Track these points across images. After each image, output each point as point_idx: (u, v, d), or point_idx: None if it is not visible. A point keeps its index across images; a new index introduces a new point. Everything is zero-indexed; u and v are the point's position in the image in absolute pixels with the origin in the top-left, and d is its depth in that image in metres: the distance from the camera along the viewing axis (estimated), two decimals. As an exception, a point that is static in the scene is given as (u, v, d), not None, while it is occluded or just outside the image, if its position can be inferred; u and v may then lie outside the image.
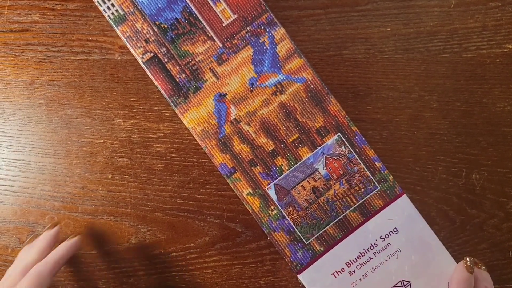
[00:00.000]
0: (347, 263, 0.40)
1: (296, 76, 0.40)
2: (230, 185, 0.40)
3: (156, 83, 0.39)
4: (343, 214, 0.40)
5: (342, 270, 0.40)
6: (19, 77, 0.41)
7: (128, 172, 0.41)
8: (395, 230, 0.40)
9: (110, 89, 0.41)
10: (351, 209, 0.40)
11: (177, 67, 0.39)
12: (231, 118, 0.40)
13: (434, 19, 0.41)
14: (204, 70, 0.39)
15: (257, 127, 0.40)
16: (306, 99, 0.40)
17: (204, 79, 0.39)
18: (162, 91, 0.39)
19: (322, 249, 0.40)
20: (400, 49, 0.41)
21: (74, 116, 0.41)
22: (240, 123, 0.40)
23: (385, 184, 0.40)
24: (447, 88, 0.41)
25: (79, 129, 0.41)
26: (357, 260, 0.40)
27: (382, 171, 0.40)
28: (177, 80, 0.39)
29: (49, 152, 0.42)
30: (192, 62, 0.39)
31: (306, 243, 0.40)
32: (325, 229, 0.40)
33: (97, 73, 0.41)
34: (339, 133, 0.40)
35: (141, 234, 0.40)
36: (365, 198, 0.40)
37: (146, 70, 0.39)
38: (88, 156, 0.41)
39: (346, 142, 0.40)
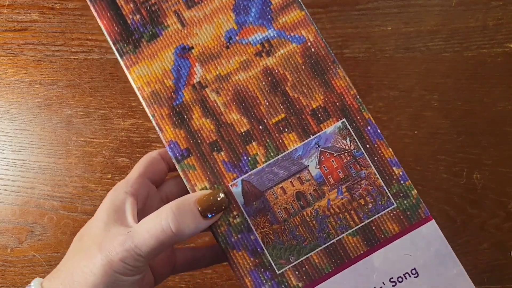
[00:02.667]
0: (336, 312, 0.27)
1: (291, 34, 0.28)
2: (180, 172, 0.28)
3: (100, 23, 0.29)
4: (338, 238, 0.27)
5: (326, 322, 0.26)
6: (18, 77, 0.42)
7: (127, 172, 0.38)
8: (413, 272, 0.27)
9: (110, 89, 0.42)
10: (350, 231, 0.27)
11: (131, 5, 0.29)
12: (194, 81, 0.28)
13: (435, 18, 0.41)
14: (166, 12, 0.29)
15: (228, 98, 0.28)
16: (303, 67, 0.28)
17: (165, 24, 0.28)
18: (106, 34, 0.29)
19: (300, 284, 0.27)
20: (401, 48, 0.41)
21: (74, 116, 0.42)
22: (206, 89, 0.28)
23: (405, 202, 0.27)
24: (448, 87, 0.41)
25: (79, 129, 0.42)
26: (351, 310, 0.27)
27: (402, 182, 0.27)
28: (129, 21, 0.28)
29: (49, 152, 0.42)
30: (153, 1, 0.29)
31: (278, 272, 0.27)
32: (308, 255, 0.27)
33: (97, 72, 0.42)
34: (344, 119, 0.28)
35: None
36: (372, 218, 0.27)
37: (90, 5, 0.29)
38: (88, 156, 0.42)
39: (353, 133, 0.28)
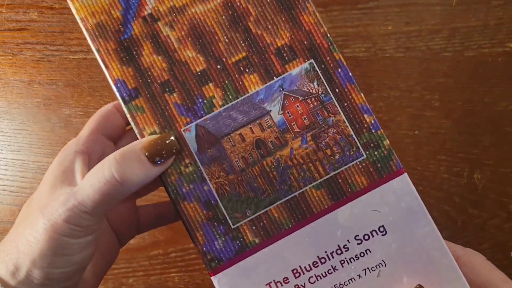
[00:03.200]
0: (295, 271, 0.24)
1: (257, -38, 0.25)
2: (127, 115, 0.25)
3: None
4: (300, 190, 0.24)
5: (284, 281, 0.24)
6: (17, 76, 0.41)
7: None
8: (381, 229, 0.24)
9: (109, 88, 0.41)
10: (314, 184, 0.24)
11: None
12: (145, 13, 0.25)
13: (435, 18, 0.40)
14: None
15: (183, 32, 0.25)
16: (268, 0, 0.25)
17: None
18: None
19: (257, 240, 0.24)
20: (402, 47, 0.40)
21: (73, 116, 0.41)
22: (158, 23, 0.25)
23: (376, 153, 0.24)
24: (448, 87, 0.41)
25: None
26: (311, 269, 0.24)
27: (373, 131, 0.25)
28: None
29: (48, 152, 0.42)
30: None
31: (233, 227, 0.24)
32: (266, 209, 0.24)
33: (96, 72, 0.41)
34: (312, 60, 0.25)
35: (140, 234, 0.38)
36: (339, 170, 0.24)
37: None
38: (86, 156, 0.41)
39: (321, 76, 0.25)
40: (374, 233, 0.24)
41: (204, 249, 0.24)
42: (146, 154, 0.23)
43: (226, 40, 0.25)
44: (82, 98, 0.42)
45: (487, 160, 0.41)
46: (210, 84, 0.25)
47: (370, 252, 0.24)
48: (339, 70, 0.25)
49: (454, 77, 0.41)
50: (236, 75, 0.25)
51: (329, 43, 0.25)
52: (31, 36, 0.41)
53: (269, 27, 0.25)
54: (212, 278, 0.24)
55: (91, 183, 0.23)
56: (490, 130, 0.41)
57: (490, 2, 0.41)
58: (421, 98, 0.41)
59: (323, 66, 0.25)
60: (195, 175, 0.24)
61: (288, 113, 0.25)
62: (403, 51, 0.41)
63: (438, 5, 0.41)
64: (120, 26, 0.25)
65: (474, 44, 0.41)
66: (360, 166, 0.24)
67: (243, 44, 0.25)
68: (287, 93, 0.25)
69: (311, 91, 0.25)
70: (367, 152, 0.24)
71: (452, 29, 0.41)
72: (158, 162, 0.23)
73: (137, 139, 0.25)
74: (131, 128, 0.25)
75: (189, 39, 0.25)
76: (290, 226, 0.24)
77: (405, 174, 0.24)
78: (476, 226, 0.41)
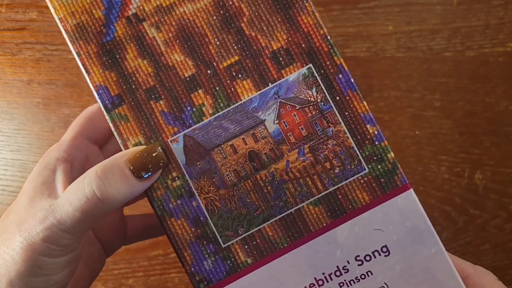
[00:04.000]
0: (290, 294, 0.22)
1: (251, -43, 0.23)
2: (110, 124, 0.23)
3: None
4: (297, 207, 0.23)
5: (279, 305, 0.22)
6: (17, 76, 0.41)
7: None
8: (384, 249, 0.22)
9: None
10: (311, 200, 0.23)
11: None
12: (129, 13, 0.23)
13: (436, 17, 0.40)
14: None
15: (170, 34, 0.23)
16: (263, -1, 0.23)
17: None
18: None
19: (249, 261, 0.23)
20: (402, 47, 0.40)
21: (72, 115, 0.41)
22: (143, 23, 0.23)
23: (379, 166, 0.23)
24: (449, 87, 0.40)
25: None
26: (308, 292, 0.22)
27: (376, 143, 0.23)
28: None
29: None
30: None
31: (224, 246, 0.23)
32: (260, 227, 0.23)
33: None
34: (310, 65, 0.23)
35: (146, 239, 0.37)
36: (339, 185, 0.23)
37: None
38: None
39: (320, 82, 0.23)
40: (376, 253, 0.22)
41: (192, 269, 0.23)
42: (131, 168, 0.21)
43: (217, 42, 0.23)
44: (81, 98, 0.41)
45: (488, 161, 0.41)
46: (200, 91, 0.23)
47: (371, 274, 0.22)
48: (340, 76, 0.23)
49: (455, 77, 0.41)
50: (228, 81, 0.23)
51: (329, 46, 0.23)
52: (31, 35, 0.41)
53: (264, 28, 0.23)
54: (201, 300, 0.22)
55: (71, 200, 0.21)
56: (491, 130, 0.41)
57: (491, 2, 0.41)
58: (422, 98, 0.41)
59: (322, 71, 0.23)
60: (183, 190, 0.23)
61: (284, 123, 0.23)
62: (404, 51, 0.41)
63: (439, 4, 0.41)
64: (102, 27, 0.23)
65: (475, 44, 0.41)
66: (361, 181, 0.22)
67: (235, 47, 0.23)
68: (283, 101, 0.23)
69: (309, 98, 0.23)
70: (370, 166, 0.22)
71: (453, 29, 0.41)
72: (145, 176, 0.22)
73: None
74: None
75: (177, 41, 0.23)
76: (286, 245, 0.22)
77: (411, 190, 0.22)
78: (477, 227, 0.40)
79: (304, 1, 0.23)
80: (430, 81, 0.41)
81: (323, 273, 0.22)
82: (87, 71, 0.23)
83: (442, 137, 0.41)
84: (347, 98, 0.23)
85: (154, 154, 0.22)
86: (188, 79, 0.23)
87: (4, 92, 0.41)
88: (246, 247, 0.22)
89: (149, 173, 0.22)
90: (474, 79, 0.41)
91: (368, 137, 0.22)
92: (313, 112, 0.23)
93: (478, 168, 0.41)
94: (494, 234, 0.40)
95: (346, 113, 0.23)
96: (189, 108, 0.23)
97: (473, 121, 0.41)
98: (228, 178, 0.23)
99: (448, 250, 0.39)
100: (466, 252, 0.40)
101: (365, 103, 0.23)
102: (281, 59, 0.23)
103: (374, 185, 0.22)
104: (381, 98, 0.41)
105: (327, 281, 0.22)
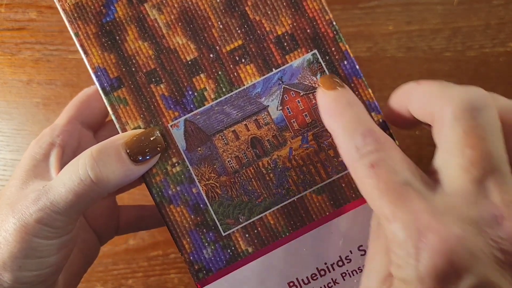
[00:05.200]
0: (291, 284, 0.22)
1: None
2: (108, 107, 0.22)
3: None
4: (299, 195, 0.22)
5: (279, 295, 0.22)
6: (16, 76, 0.41)
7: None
8: (388, 239, 0.22)
9: None
10: (314, 188, 0.22)
11: None
12: (130, -7, 0.22)
13: (437, 17, 0.40)
14: None
15: (172, 16, 0.22)
16: (268, -18, 0.22)
17: None
18: None
19: (250, 249, 0.22)
20: (403, 47, 0.40)
21: None
22: (145, 5, 0.22)
23: (384, 155, 0.22)
24: None
25: None
26: (310, 282, 0.22)
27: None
28: None
29: None
30: None
31: (224, 234, 0.22)
32: (261, 215, 0.22)
33: None
34: (315, 50, 0.22)
35: (140, 235, 0.39)
36: (343, 174, 0.22)
37: None
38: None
39: (325, 68, 0.22)
40: (379, 243, 0.22)
41: (191, 258, 0.22)
42: (127, 151, 0.21)
43: (221, 26, 0.22)
44: None
45: None
46: (202, 75, 0.22)
47: (374, 264, 0.22)
48: (345, 62, 0.22)
49: (456, 77, 0.40)
50: (231, 66, 0.22)
51: (334, 32, 0.22)
52: (30, 35, 0.40)
53: (269, 12, 0.22)
54: (200, 290, 0.22)
55: (64, 181, 0.20)
56: None
57: (492, 2, 0.40)
58: None
59: (327, 57, 0.22)
60: (182, 176, 0.22)
61: (288, 109, 0.22)
62: (404, 51, 0.40)
63: (440, 4, 0.40)
64: (102, 8, 0.22)
65: (475, 44, 0.40)
66: (365, 170, 0.22)
67: (239, 31, 0.22)
68: (287, 86, 0.22)
69: (313, 85, 0.22)
70: (374, 154, 0.22)
71: (453, 29, 0.40)
72: (141, 159, 0.21)
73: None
74: None
75: (179, 24, 0.22)
76: (287, 234, 0.22)
77: (415, 179, 0.22)
78: None
79: (310, -14, 0.22)
80: None
81: (325, 263, 0.22)
82: (85, 52, 0.22)
83: None
84: (352, 85, 0.22)
85: (152, 138, 0.21)
86: (190, 62, 0.22)
87: (4, 92, 0.41)
88: (247, 235, 0.22)
89: (146, 157, 0.21)
90: (474, 79, 0.41)
91: (373, 125, 0.22)
92: (317, 99, 0.22)
93: None
94: None
95: (351, 100, 0.22)
96: (190, 93, 0.22)
97: None
98: (230, 164, 0.22)
99: None
100: None
101: (370, 90, 0.22)
102: (285, 44, 0.22)
103: (378, 173, 0.22)
104: (381, 98, 0.40)
105: (329, 271, 0.22)
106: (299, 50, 0.22)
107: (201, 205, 0.22)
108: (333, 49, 0.22)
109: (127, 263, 0.40)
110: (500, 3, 0.40)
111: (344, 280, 0.22)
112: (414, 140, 0.40)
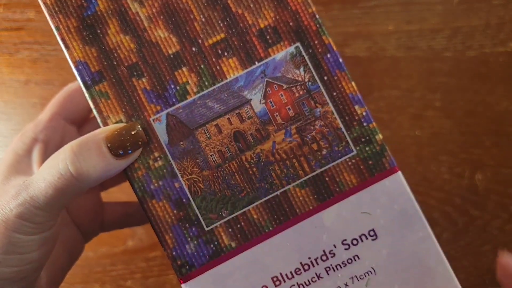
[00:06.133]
0: (275, 279, 0.22)
1: None
2: (89, 101, 0.22)
3: None
4: (283, 189, 0.22)
5: (263, 290, 0.22)
6: (14, 76, 0.41)
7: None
8: (371, 233, 0.22)
9: None
10: (298, 182, 0.22)
11: None
12: (112, -14, 0.22)
13: (437, 17, 0.40)
14: None
15: (154, 10, 0.22)
16: (250, -25, 0.22)
17: None
18: None
19: (233, 244, 0.22)
20: (403, 47, 0.40)
21: None
22: (126, -2, 0.22)
23: (367, 148, 0.22)
24: (450, 87, 0.40)
25: None
26: (293, 276, 0.22)
27: (365, 124, 0.22)
28: None
29: None
30: None
31: (207, 229, 0.22)
32: (245, 209, 0.22)
33: None
34: (298, 43, 0.22)
35: (138, 236, 0.39)
36: (326, 167, 0.22)
37: None
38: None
39: (308, 61, 0.22)
40: (363, 237, 0.22)
41: (173, 253, 0.22)
42: (108, 145, 0.20)
43: (203, 19, 0.22)
44: None
45: (488, 161, 0.40)
46: (184, 69, 0.22)
47: (358, 258, 0.22)
48: (328, 55, 0.22)
49: (456, 77, 0.40)
50: (213, 59, 0.22)
51: (317, 25, 0.22)
52: (28, 35, 0.40)
53: (251, 5, 0.22)
54: (183, 286, 0.22)
55: (44, 176, 0.20)
56: (492, 130, 0.40)
57: (492, 2, 0.41)
58: (422, 98, 0.40)
59: (310, 50, 0.22)
60: (165, 171, 0.22)
61: (271, 103, 0.22)
62: (404, 51, 0.40)
63: (440, 4, 0.40)
64: (83, 1, 0.22)
65: (475, 44, 0.40)
66: (349, 163, 0.22)
67: (221, 25, 0.22)
68: (270, 80, 0.22)
69: (296, 78, 0.22)
70: (358, 148, 0.22)
71: (453, 29, 0.40)
72: (122, 154, 0.21)
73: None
74: None
75: (161, 17, 0.22)
76: (271, 228, 0.22)
77: (399, 172, 0.22)
78: (478, 228, 0.40)
79: (293, -21, 0.22)
80: (431, 81, 0.41)
81: (309, 258, 0.22)
82: (66, 46, 0.22)
83: (442, 137, 0.40)
84: (335, 78, 0.22)
85: (133, 132, 0.21)
86: (172, 56, 0.22)
87: (1, 92, 0.41)
88: (230, 230, 0.22)
89: (128, 152, 0.21)
90: (474, 78, 0.41)
91: (356, 118, 0.22)
92: (301, 92, 0.22)
93: (479, 168, 0.40)
94: (494, 235, 0.40)
95: (334, 93, 0.22)
96: (172, 86, 0.22)
97: (474, 121, 0.41)
98: (212, 159, 0.22)
99: (448, 251, 0.39)
100: (467, 253, 0.39)
101: (353, 83, 0.22)
102: (268, 37, 0.22)
103: (362, 167, 0.22)
104: (381, 97, 0.40)
105: (313, 266, 0.22)
106: (282, 43, 0.22)
107: (184, 200, 0.22)
108: (316, 42, 0.22)
109: (126, 264, 0.40)
110: (500, 3, 0.40)
111: (328, 274, 0.22)
112: (414, 141, 0.40)
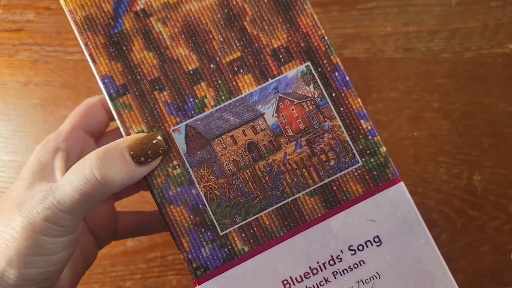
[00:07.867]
0: (285, 282, 0.23)
1: (254, -39, 0.24)
2: (113, 112, 0.24)
3: None
4: (293, 197, 0.23)
5: (274, 293, 0.23)
6: (14, 77, 0.41)
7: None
8: (376, 240, 0.23)
9: None
10: (307, 190, 0.23)
11: None
12: (137, 8, 0.24)
13: (435, 19, 0.40)
14: None
15: (176, 30, 0.24)
16: (265, 0, 0.24)
17: None
18: None
19: (246, 249, 0.23)
20: (401, 48, 0.40)
21: None
22: (151, 18, 0.24)
23: (372, 160, 0.24)
24: (448, 88, 0.41)
25: None
26: (303, 280, 0.23)
27: (370, 137, 0.24)
28: None
29: None
30: None
31: (221, 233, 0.23)
32: (257, 216, 0.23)
33: (93, 73, 0.42)
34: (308, 62, 0.24)
35: (138, 237, 0.39)
36: (334, 177, 0.24)
37: None
38: (83, 157, 0.40)
39: (318, 79, 0.24)
40: (368, 243, 0.23)
41: (189, 256, 0.23)
42: (131, 153, 0.22)
43: (221, 39, 0.24)
44: (79, 100, 0.40)
45: (486, 162, 0.41)
46: (202, 84, 0.24)
47: (364, 263, 0.23)
48: (336, 73, 0.24)
49: (453, 79, 0.41)
50: (230, 75, 0.24)
51: (326, 46, 0.24)
52: (28, 37, 0.41)
53: (266, 27, 0.24)
54: None
55: (71, 181, 0.21)
56: (490, 131, 0.41)
57: (489, 3, 0.41)
58: (420, 100, 0.41)
59: (319, 69, 0.24)
60: (183, 178, 0.23)
61: (283, 116, 0.24)
62: (402, 52, 0.41)
63: (437, 5, 0.41)
64: (110, 20, 0.24)
65: (473, 45, 0.41)
66: (355, 174, 0.24)
67: (238, 44, 0.24)
68: (282, 95, 0.24)
69: (306, 94, 0.24)
70: (363, 159, 0.24)
71: (451, 30, 0.41)
72: (143, 160, 0.22)
73: (121, 137, 0.24)
74: (115, 127, 0.24)
75: (182, 36, 0.24)
76: (282, 234, 0.23)
77: (401, 183, 0.24)
78: (476, 228, 0.40)
79: (304, 4, 0.24)
80: (429, 82, 0.41)
81: (318, 262, 0.23)
82: (93, 61, 0.24)
83: (440, 138, 0.40)
84: (343, 94, 0.24)
85: (154, 141, 0.22)
86: (191, 72, 0.24)
87: (1, 93, 0.41)
88: (243, 235, 0.23)
89: (149, 160, 0.22)
90: (472, 80, 0.41)
91: (362, 131, 0.24)
92: (310, 107, 0.24)
93: (477, 169, 0.40)
94: (492, 235, 0.40)
95: (341, 109, 0.24)
96: (191, 100, 0.24)
97: (472, 122, 0.41)
98: (228, 167, 0.23)
99: (446, 252, 0.39)
100: (465, 254, 0.39)
101: (359, 100, 0.24)
102: (281, 56, 0.24)
103: (367, 177, 0.24)
104: (379, 99, 0.40)
105: (321, 270, 0.23)
106: (293, 62, 0.24)
107: (200, 206, 0.23)
108: (325, 61, 0.24)
109: (125, 265, 0.40)
110: (498, 5, 0.41)
111: (335, 278, 0.23)
112: (412, 141, 0.40)
